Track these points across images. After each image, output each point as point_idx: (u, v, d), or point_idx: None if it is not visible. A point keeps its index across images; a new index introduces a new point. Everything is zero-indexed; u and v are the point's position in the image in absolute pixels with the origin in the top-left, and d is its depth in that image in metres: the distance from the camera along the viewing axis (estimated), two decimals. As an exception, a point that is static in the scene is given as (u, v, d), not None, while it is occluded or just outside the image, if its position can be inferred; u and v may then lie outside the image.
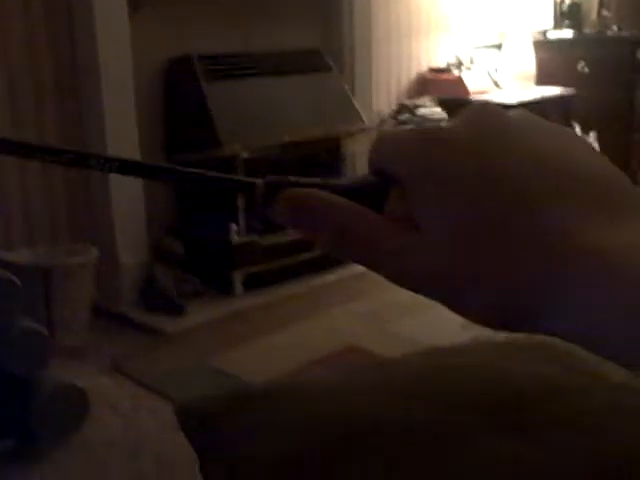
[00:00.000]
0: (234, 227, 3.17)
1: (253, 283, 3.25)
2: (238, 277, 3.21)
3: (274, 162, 3.48)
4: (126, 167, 0.43)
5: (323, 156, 3.71)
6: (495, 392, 0.86)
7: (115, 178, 2.99)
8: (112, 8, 2.91)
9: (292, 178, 0.39)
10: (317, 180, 0.39)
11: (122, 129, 3.01)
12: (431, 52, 4.54)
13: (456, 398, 0.87)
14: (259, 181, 0.39)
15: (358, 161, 3.90)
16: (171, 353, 2.75)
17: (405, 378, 0.93)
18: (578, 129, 4.75)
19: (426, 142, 0.36)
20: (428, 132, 0.36)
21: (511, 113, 0.38)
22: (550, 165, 0.34)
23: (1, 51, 2.81)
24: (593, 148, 0.37)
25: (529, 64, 4.96)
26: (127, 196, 3.04)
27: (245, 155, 3.17)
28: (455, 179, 0.34)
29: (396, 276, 0.36)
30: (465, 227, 0.34)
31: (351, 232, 0.37)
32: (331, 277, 3.46)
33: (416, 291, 0.36)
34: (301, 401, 0.86)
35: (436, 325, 2.95)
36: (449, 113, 4.26)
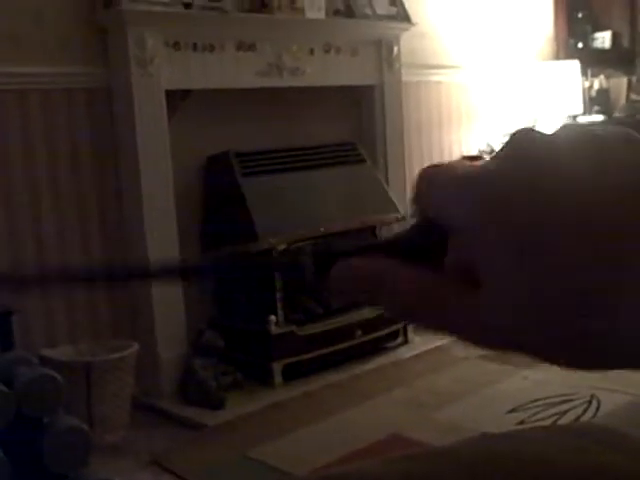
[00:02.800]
0: (273, 318, 3.19)
1: (292, 373, 3.24)
2: (277, 368, 3.21)
3: (311, 253, 3.51)
4: (179, 271, 0.43)
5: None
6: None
7: (155, 273, 3.05)
8: (152, 112, 3.03)
9: (338, 245, 0.37)
10: (363, 242, 0.38)
11: (162, 225, 3.08)
12: (463, 140, 4.60)
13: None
14: (307, 260, 0.37)
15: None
16: (211, 446, 2.74)
17: (454, 468, 0.91)
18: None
19: (473, 182, 0.34)
20: (473, 169, 0.35)
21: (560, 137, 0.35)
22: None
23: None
24: None
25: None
26: (167, 290, 3.09)
27: (282, 247, 3.21)
28: (514, 226, 0.32)
29: (465, 336, 0.35)
30: (523, 282, 0.32)
31: (409, 297, 0.35)
32: (370, 365, 3.45)
33: (487, 347, 0.35)
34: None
35: (480, 411, 2.91)
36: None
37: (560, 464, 0.93)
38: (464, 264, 0.34)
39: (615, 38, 5.28)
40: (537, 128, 0.35)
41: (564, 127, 0.35)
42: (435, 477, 0.93)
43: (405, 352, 3.61)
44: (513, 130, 0.35)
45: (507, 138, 0.35)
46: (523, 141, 0.34)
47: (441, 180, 0.35)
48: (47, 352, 2.71)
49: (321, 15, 3.55)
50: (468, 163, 0.35)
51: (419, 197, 0.36)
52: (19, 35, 2.85)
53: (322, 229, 3.37)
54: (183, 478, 2.50)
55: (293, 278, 0.39)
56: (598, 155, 0.32)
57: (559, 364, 0.34)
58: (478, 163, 0.35)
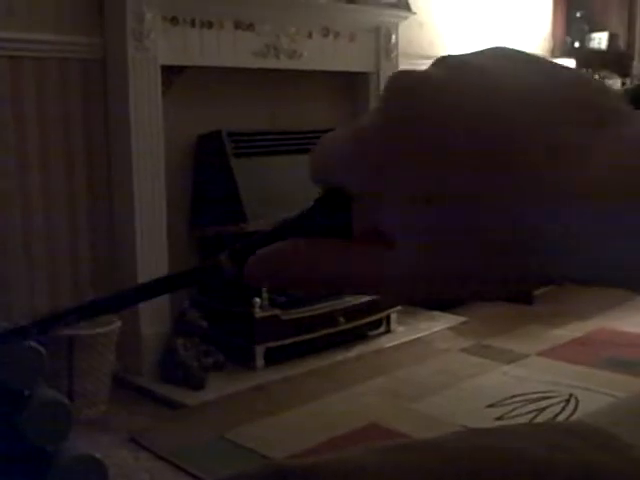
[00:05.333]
0: (257, 301, 3.18)
1: (274, 357, 3.24)
2: (259, 351, 3.20)
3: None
4: (92, 309, 0.41)
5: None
6: (541, 476, 0.85)
7: (140, 249, 3.03)
8: (146, 86, 3.00)
9: (251, 239, 0.36)
10: (272, 227, 0.37)
11: (151, 201, 3.06)
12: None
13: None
14: (225, 262, 0.37)
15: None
16: (190, 426, 2.73)
17: (438, 461, 0.91)
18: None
19: (359, 144, 0.33)
20: (357, 130, 0.33)
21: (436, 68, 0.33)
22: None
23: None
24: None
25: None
26: (152, 269, 3.07)
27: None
28: (401, 178, 0.31)
29: (388, 295, 0.35)
30: (430, 228, 0.31)
31: (319, 273, 0.35)
32: (352, 353, 3.45)
33: (410, 301, 0.36)
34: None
35: (459, 404, 2.92)
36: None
37: (545, 462, 0.93)
38: (371, 227, 0.33)
39: (612, 40, 5.28)
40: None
41: (437, 60, 0.34)
42: (420, 469, 0.93)
43: (387, 341, 3.62)
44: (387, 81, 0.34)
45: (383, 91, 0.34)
46: (401, 83, 0.33)
47: (329, 148, 0.35)
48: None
49: (321, -2, 3.53)
50: (355, 126, 0.34)
51: (314, 169, 0.36)
52: (15, 1, 2.80)
53: (311, 214, 3.35)
54: (160, 456, 2.49)
55: (216, 282, 0.38)
56: (478, 76, 0.32)
57: (485, 299, 0.34)
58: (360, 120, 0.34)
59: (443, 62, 0.33)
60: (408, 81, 0.33)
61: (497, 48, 0.35)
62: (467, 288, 0.33)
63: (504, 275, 0.32)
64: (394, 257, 0.33)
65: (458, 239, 0.31)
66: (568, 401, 2.93)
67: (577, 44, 5.26)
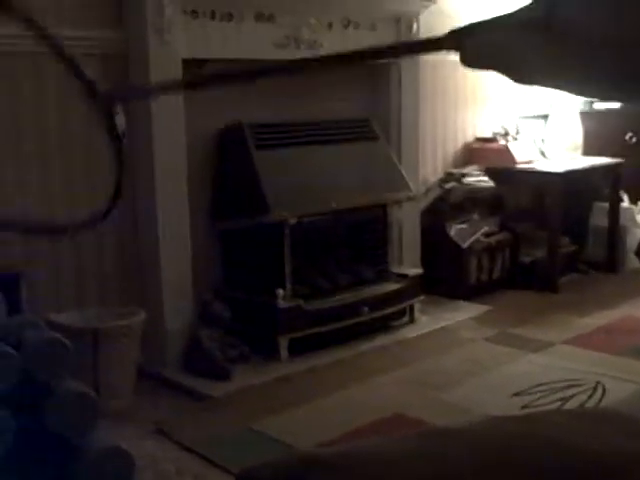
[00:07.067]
0: (280, 292, 3.18)
1: (298, 348, 3.24)
2: (283, 342, 3.20)
3: (322, 228, 3.51)
4: None
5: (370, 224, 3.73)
6: (572, 463, 0.84)
7: (163, 241, 3.04)
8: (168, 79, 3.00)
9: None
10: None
11: (173, 194, 3.07)
12: (477, 122, 4.57)
13: (527, 469, 0.84)
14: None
15: (405, 227, 3.91)
16: (216, 417, 2.74)
17: (465, 448, 0.91)
18: (626, 199, 4.72)
19: None
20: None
21: None
22: None
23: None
24: None
25: (576, 135, 4.96)
26: (175, 261, 3.08)
27: (293, 221, 3.20)
28: None
29: None
30: None
31: None
32: (376, 343, 3.45)
33: None
34: (365, 470, 0.85)
35: (484, 393, 2.91)
36: (496, 181, 4.26)
37: (577, 449, 0.91)
38: None
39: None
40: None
41: None
42: (447, 456, 0.92)
43: (411, 331, 3.61)
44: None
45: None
46: None
47: None
48: (54, 317, 2.71)
49: (341, -11, 3.52)
50: None
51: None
52: (36, -4, 2.82)
53: (334, 204, 3.35)
54: (186, 447, 2.50)
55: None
56: None
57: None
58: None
59: None
60: None
61: None
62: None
63: None
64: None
65: None
66: (595, 389, 2.91)
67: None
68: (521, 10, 0.54)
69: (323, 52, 3.49)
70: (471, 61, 0.55)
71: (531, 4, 0.51)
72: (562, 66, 0.47)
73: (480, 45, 0.52)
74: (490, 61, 0.54)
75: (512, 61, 0.53)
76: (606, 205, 4.66)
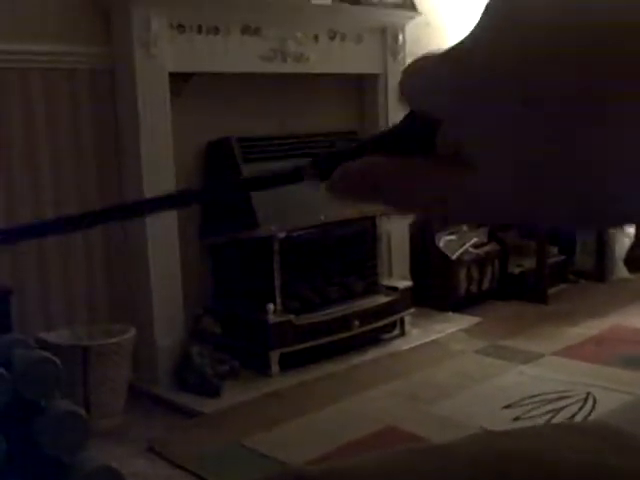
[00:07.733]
0: (270, 306, 3.17)
1: (289, 363, 3.23)
2: (274, 357, 3.19)
3: (311, 242, 3.50)
4: (178, 199, 0.44)
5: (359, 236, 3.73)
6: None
7: (153, 258, 3.03)
8: (155, 94, 3.00)
9: (338, 150, 0.38)
10: (357, 142, 0.37)
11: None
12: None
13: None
14: (307, 166, 0.38)
15: (393, 240, 3.91)
16: (207, 434, 2.72)
17: (458, 464, 0.90)
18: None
19: (454, 70, 0.32)
20: (452, 55, 0.32)
21: None
22: None
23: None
24: None
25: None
26: (165, 277, 3.07)
27: (282, 235, 3.19)
28: (493, 113, 0.30)
29: (464, 216, 0.34)
30: (520, 152, 0.30)
31: (406, 182, 0.35)
32: (367, 356, 3.44)
33: (487, 222, 0.35)
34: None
35: (476, 406, 2.90)
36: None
37: (564, 463, 0.91)
38: (455, 148, 0.32)
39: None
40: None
41: None
42: (439, 473, 0.92)
43: (402, 344, 3.60)
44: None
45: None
46: (501, 6, 0.32)
47: (423, 66, 0.34)
48: (44, 335, 2.69)
49: (327, 1, 3.52)
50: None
51: (403, 89, 0.35)
52: (21, 12, 2.80)
53: (322, 217, 3.35)
54: (179, 465, 2.48)
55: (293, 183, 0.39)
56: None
57: (559, 227, 0.34)
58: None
59: None
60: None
61: None
62: (542, 212, 0.32)
63: (587, 202, 0.30)
64: (476, 178, 0.32)
65: (548, 158, 0.29)
66: (585, 400, 2.91)
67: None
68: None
69: (310, 65, 3.49)
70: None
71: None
72: None
73: None
74: None
75: None
76: (593, 214, 4.66)
